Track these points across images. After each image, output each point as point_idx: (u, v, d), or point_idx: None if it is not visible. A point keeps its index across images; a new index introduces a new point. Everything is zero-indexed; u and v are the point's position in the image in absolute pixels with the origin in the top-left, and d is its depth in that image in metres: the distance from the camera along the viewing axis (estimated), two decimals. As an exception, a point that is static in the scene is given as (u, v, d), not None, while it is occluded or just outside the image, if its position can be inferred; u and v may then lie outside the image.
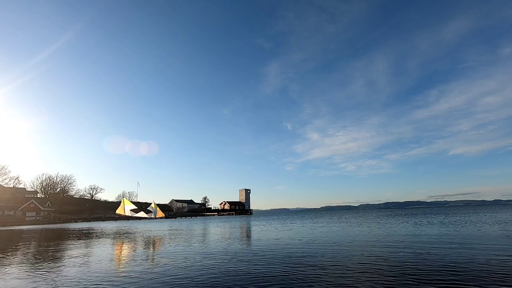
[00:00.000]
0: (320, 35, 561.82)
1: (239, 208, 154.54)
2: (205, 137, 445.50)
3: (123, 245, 14.81)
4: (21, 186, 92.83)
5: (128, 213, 28.19)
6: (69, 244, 15.84)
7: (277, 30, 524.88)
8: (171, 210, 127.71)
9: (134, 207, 28.94)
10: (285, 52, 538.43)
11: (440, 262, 7.18)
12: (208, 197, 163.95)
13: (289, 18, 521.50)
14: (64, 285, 6.24)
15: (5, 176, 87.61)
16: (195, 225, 37.50)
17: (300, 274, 6.50)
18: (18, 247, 15.03)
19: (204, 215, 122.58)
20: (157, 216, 28.91)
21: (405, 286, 5.19)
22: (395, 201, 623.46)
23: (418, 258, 7.92)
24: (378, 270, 6.57)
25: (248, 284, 5.81)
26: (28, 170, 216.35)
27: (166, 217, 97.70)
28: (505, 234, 12.86)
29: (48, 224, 62.39)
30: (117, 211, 29.14)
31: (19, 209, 74.61)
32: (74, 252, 12.25)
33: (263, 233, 19.52)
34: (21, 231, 34.75)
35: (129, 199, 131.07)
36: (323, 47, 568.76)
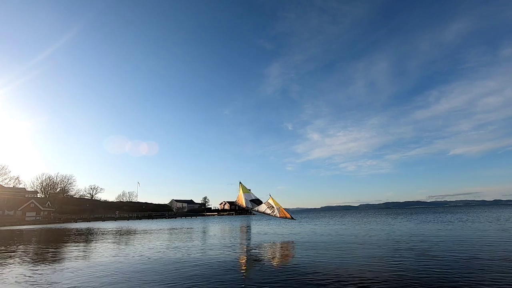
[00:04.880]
0: (321, 36, 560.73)
1: (239, 208, 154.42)
2: (206, 137, 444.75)
3: (123, 245, 14.74)
4: (21, 186, 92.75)
5: (248, 204, 21.38)
6: (69, 244, 15.78)
7: (278, 31, 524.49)
8: (171, 210, 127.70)
9: (254, 197, 21.85)
10: (286, 52, 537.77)
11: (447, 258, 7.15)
12: (208, 197, 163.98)
13: (290, 19, 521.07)
14: (64, 284, 6.17)
15: (5, 176, 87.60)
16: (195, 225, 37.45)
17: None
18: (18, 247, 14.96)
19: (204, 215, 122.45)
20: (279, 216, 21.13)
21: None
22: (395, 201, 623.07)
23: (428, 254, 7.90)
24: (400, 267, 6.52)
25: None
26: (28, 170, 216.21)
27: (166, 217, 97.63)
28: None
29: (48, 224, 62.34)
30: (237, 201, 21.92)
31: (19, 209, 74.51)
32: (74, 252, 12.18)
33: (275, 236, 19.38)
34: (21, 231, 34.69)
35: (129, 199, 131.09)
36: (324, 48, 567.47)
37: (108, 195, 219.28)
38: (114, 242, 16.10)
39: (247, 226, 29.27)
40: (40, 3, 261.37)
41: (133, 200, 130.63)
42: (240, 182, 20.75)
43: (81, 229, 33.27)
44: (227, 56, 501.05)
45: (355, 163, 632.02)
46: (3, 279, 6.93)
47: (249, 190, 21.04)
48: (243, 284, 5.69)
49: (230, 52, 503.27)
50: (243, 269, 7.23)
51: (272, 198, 21.58)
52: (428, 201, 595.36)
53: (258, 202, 21.13)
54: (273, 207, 20.82)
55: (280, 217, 20.68)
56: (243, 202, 20.98)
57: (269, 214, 20.46)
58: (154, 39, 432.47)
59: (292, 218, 21.73)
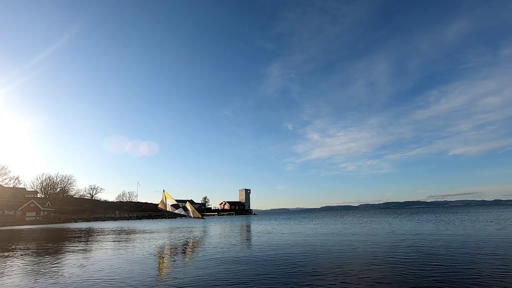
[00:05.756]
0: (322, 36, 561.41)
1: (239, 208, 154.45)
2: (206, 137, 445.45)
3: (122, 245, 14.73)
4: (21, 186, 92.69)
5: (169, 208, 26.98)
6: (69, 244, 15.77)
7: (278, 31, 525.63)
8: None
9: (174, 202, 27.77)
10: (287, 53, 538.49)
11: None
12: (208, 197, 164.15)
13: (290, 20, 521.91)
14: (64, 284, 6.16)
15: (5, 176, 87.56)
16: (195, 225, 37.41)
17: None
18: (18, 247, 14.95)
19: (204, 215, 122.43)
20: (193, 216, 27.93)
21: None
22: (395, 201, 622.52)
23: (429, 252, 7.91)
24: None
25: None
26: (28, 170, 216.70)
27: (166, 217, 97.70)
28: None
29: (48, 224, 62.30)
30: (159, 206, 27.94)
31: (19, 209, 74.47)
32: (74, 252, 12.17)
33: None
34: (21, 231, 34.66)
35: (129, 199, 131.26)
36: (324, 48, 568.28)
37: (108, 195, 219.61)
38: (113, 243, 16.09)
39: (248, 226, 29.27)
40: (39, 4, 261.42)
41: (133, 200, 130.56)
42: (163, 190, 27.10)
43: (82, 229, 33.24)
44: (227, 56, 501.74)
45: (355, 163, 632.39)
46: (3, 279, 6.92)
47: (172, 197, 27.39)
48: (244, 282, 5.68)
49: (230, 53, 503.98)
50: (243, 268, 7.22)
51: (189, 203, 29.00)
52: (428, 201, 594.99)
53: (176, 206, 27.30)
54: (188, 209, 27.71)
55: (194, 217, 28.07)
56: (164, 206, 26.86)
57: (184, 215, 27.32)
58: (153, 39, 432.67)
59: (202, 218, 31.49)
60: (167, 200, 27.05)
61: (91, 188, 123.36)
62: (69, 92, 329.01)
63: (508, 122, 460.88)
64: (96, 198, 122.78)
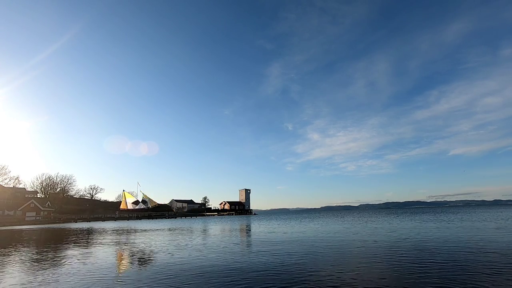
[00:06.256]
0: (322, 36, 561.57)
1: (239, 208, 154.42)
2: (206, 137, 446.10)
3: (123, 244, 14.74)
4: (21, 186, 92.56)
5: (130, 206, 29.14)
6: (69, 244, 15.77)
7: (278, 32, 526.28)
8: (171, 210, 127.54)
9: (134, 200, 29.90)
10: (287, 53, 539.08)
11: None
12: (208, 197, 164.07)
13: (291, 20, 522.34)
14: (64, 284, 6.17)
15: (5, 176, 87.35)
16: (195, 225, 37.44)
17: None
18: (18, 247, 14.95)
19: (204, 215, 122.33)
20: (150, 206, 29.82)
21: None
22: (395, 201, 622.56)
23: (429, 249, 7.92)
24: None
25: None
26: (28, 170, 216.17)
27: (166, 217, 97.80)
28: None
29: (48, 224, 62.27)
30: (121, 206, 29.98)
31: (19, 209, 74.42)
32: (74, 252, 12.18)
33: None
34: (21, 231, 34.65)
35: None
36: (325, 48, 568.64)
37: (108, 195, 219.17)
38: (113, 243, 16.10)
39: (248, 226, 29.28)
40: (40, 4, 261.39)
41: (133, 201, 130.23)
42: (123, 190, 29.84)
43: (82, 229, 33.24)
44: (227, 56, 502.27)
45: (355, 163, 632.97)
46: (4, 279, 6.93)
47: (132, 195, 29.59)
48: (246, 281, 5.69)
49: (231, 53, 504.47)
50: (244, 267, 7.23)
51: (144, 194, 31.01)
52: (428, 201, 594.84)
53: (137, 203, 29.61)
54: (146, 201, 29.54)
55: (152, 206, 29.85)
56: (125, 206, 28.97)
57: (144, 208, 29.01)
58: (153, 39, 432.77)
59: (159, 205, 36.80)
60: (127, 199, 29.45)
61: (91, 188, 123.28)
62: (69, 92, 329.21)
63: (508, 122, 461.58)
64: (96, 198, 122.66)
